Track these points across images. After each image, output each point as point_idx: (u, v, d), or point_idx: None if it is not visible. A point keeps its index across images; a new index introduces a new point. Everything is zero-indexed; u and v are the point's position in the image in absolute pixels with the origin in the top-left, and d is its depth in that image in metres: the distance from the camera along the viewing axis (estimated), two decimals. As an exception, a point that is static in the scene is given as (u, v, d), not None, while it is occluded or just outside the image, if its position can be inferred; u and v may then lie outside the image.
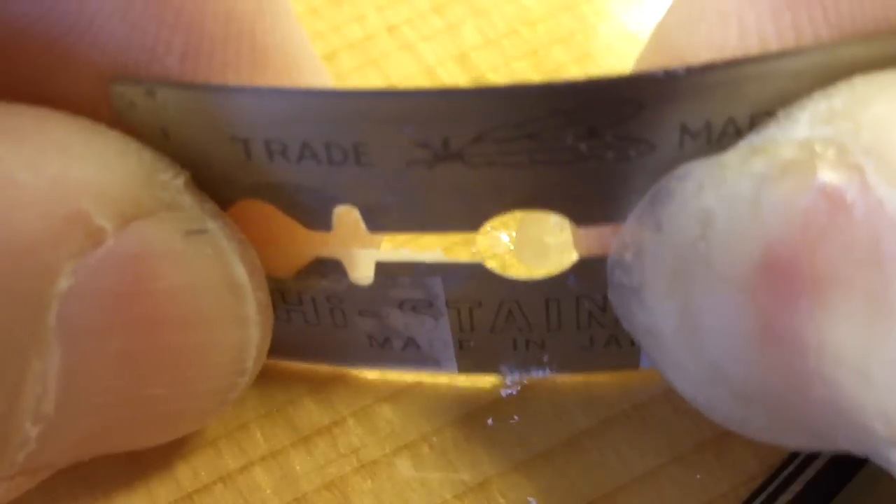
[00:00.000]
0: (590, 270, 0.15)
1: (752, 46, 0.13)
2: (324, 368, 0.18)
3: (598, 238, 0.15)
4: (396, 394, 0.18)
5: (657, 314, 0.13)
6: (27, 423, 0.12)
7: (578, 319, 0.16)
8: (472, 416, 0.17)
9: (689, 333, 0.13)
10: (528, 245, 0.17)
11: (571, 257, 0.15)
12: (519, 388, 0.17)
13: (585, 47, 0.22)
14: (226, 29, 0.14)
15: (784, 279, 0.12)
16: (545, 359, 0.17)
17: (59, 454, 0.14)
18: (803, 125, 0.12)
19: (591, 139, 0.13)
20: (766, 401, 0.13)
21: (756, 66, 0.12)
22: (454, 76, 0.22)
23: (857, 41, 0.12)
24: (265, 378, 0.18)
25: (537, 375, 0.17)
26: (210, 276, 0.14)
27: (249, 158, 0.14)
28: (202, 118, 0.13)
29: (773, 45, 0.13)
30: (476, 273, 0.15)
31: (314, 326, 0.17)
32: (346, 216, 0.15)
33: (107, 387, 0.13)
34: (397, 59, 0.22)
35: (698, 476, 0.16)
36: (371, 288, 0.16)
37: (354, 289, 0.16)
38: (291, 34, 0.15)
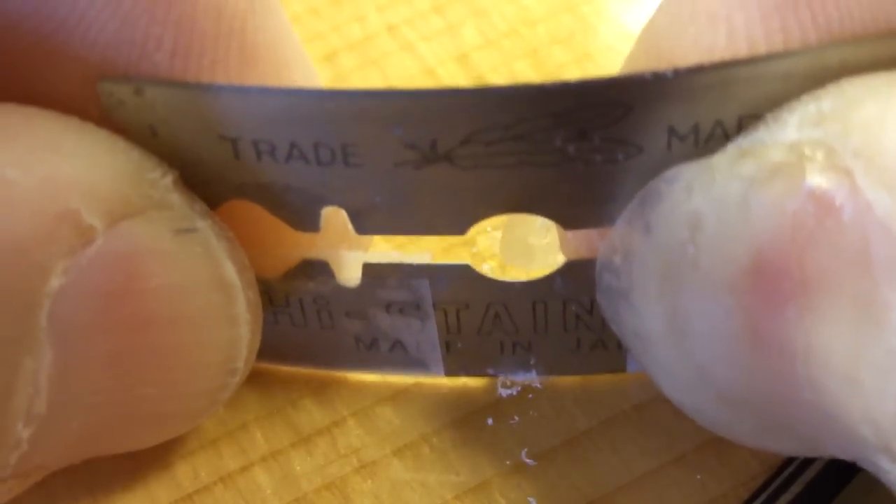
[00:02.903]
0: (576, 273, 0.15)
1: (741, 49, 0.13)
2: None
3: (585, 241, 0.15)
4: (396, 394, 0.18)
5: (645, 317, 0.13)
6: (19, 423, 0.12)
7: (565, 322, 0.16)
8: (472, 416, 0.17)
9: (677, 336, 0.13)
10: (514, 247, 0.17)
11: (558, 260, 0.15)
12: (519, 388, 0.17)
13: (585, 47, 0.22)
14: (216, 26, 0.14)
15: (772, 282, 0.12)
16: (532, 361, 0.17)
17: (51, 456, 0.14)
18: (792, 128, 0.12)
19: (579, 141, 0.13)
20: (754, 405, 0.13)
21: (744, 69, 0.12)
22: (454, 76, 0.22)
23: (845, 44, 0.12)
24: (265, 378, 0.18)
25: (524, 378, 0.17)
26: (200, 274, 0.14)
27: (237, 158, 0.14)
28: (190, 117, 0.13)
29: (762, 47, 0.13)
30: (463, 275, 0.15)
31: (301, 329, 0.17)
32: (334, 217, 0.15)
33: (98, 387, 0.13)
34: (397, 59, 0.22)
35: (699, 476, 0.16)
36: (358, 289, 0.16)
37: (341, 290, 0.16)
38: (281, 32, 0.15)
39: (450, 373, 0.17)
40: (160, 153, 0.14)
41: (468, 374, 0.17)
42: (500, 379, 0.18)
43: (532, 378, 0.17)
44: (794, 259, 0.11)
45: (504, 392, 0.17)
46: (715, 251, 0.12)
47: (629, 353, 0.17)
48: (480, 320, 0.16)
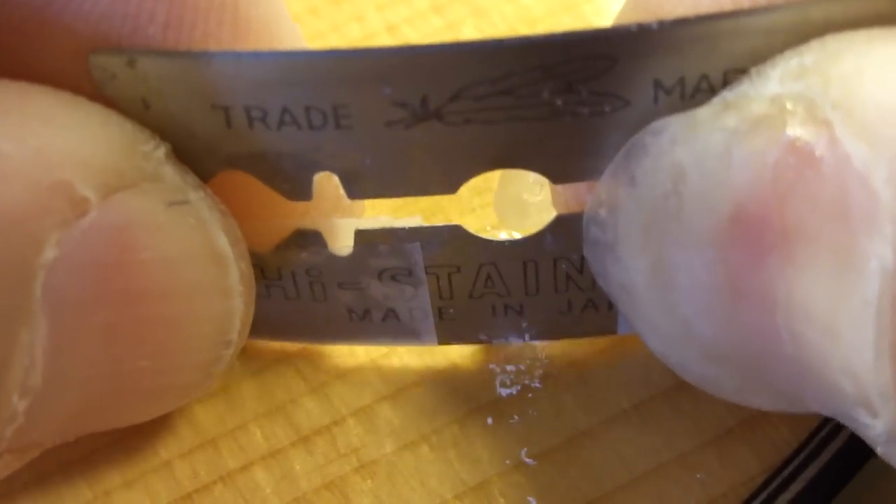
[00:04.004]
0: (566, 229, 0.15)
1: (726, 5, 0.13)
2: (323, 367, 0.18)
3: (576, 195, 0.15)
4: (396, 393, 0.18)
5: (631, 270, 0.13)
6: (14, 395, 0.12)
7: (556, 282, 0.16)
8: (471, 415, 0.17)
9: (661, 289, 0.13)
10: (508, 203, 0.18)
11: (550, 215, 0.15)
12: (519, 387, 0.17)
13: (585, 47, 0.22)
14: None
15: (753, 234, 0.12)
16: (524, 325, 0.17)
17: (47, 431, 0.14)
18: (774, 82, 0.12)
19: (567, 94, 0.13)
20: (737, 359, 0.13)
21: (729, 22, 0.12)
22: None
23: (829, 0, 0.12)
24: (265, 377, 0.18)
25: (516, 342, 0.17)
26: (193, 246, 0.14)
27: (230, 127, 0.14)
28: (182, 87, 0.13)
29: (746, 3, 0.13)
30: (454, 236, 0.16)
31: (294, 301, 0.17)
32: (326, 185, 0.15)
33: (93, 359, 0.13)
34: (397, 58, 0.22)
35: (698, 475, 0.16)
36: (350, 258, 0.16)
37: (334, 260, 0.16)
38: (274, 9, 0.15)
39: (442, 341, 0.17)
40: (152, 126, 0.14)
41: (461, 341, 0.17)
42: (500, 378, 0.18)
43: (524, 342, 0.17)
44: (775, 210, 0.12)
45: (504, 391, 0.17)
46: (697, 203, 0.12)
47: (620, 315, 0.17)
48: (472, 283, 0.16)
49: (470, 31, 0.23)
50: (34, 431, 0.13)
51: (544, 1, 0.23)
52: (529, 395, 0.17)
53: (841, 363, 0.11)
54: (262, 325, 0.16)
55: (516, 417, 0.17)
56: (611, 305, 0.16)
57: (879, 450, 0.12)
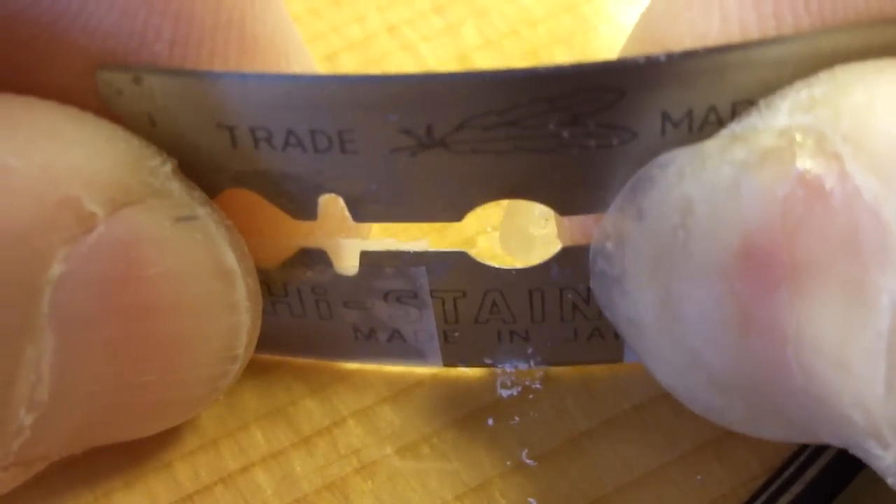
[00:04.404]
0: (573, 260, 0.15)
1: (734, 35, 0.13)
2: (324, 368, 0.18)
3: (582, 228, 0.15)
4: (397, 394, 0.18)
5: (638, 303, 0.13)
6: (21, 410, 0.12)
7: (562, 311, 0.16)
8: (472, 416, 0.17)
9: (669, 322, 0.13)
10: (513, 235, 0.17)
11: (555, 248, 0.15)
12: (519, 389, 0.17)
13: (585, 47, 0.22)
14: (215, 17, 0.14)
15: (762, 267, 0.12)
16: (529, 351, 0.17)
17: (54, 444, 0.14)
18: (783, 113, 0.12)
19: (574, 126, 0.13)
20: (746, 390, 0.13)
21: (737, 54, 0.12)
22: (454, 76, 0.22)
23: (838, 31, 0.12)
24: (265, 379, 0.18)
25: (522, 368, 0.17)
26: (200, 262, 0.14)
27: (235, 146, 0.14)
28: (188, 105, 0.13)
29: (755, 34, 0.13)
30: (460, 262, 0.16)
31: (300, 319, 0.17)
32: (332, 205, 0.15)
33: (100, 374, 0.13)
34: (397, 59, 0.22)
35: (699, 477, 0.16)
36: (356, 278, 0.16)
37: (339, 279, 0.16)
38: (281, 25, 0.15)
39: (448, 363, 0.17)
40: (158, 142, 0.14)
41: (466, 364, 0.17)
42: (501, 379, 0.18)
43: (529, 368, 0.17)
44: (784, 244, 0.12)
45: (504, 392, 0.17)
46: (705, 236, 0.12)
47: (626, 344, 0.17)
48: (478, 308, 0.16)
49: (470, 31, 0.23)
50: (41, 445, 0.13)
51: (544, 1, 0.23)
52: (530, 396, 0.17)
53: (852, 396, 0.11)
54: (268, 340, 0.16)
55: (517, 418, 0.17)
56: (617, 334, 0.16)
57: (890, 480, 0.12)
